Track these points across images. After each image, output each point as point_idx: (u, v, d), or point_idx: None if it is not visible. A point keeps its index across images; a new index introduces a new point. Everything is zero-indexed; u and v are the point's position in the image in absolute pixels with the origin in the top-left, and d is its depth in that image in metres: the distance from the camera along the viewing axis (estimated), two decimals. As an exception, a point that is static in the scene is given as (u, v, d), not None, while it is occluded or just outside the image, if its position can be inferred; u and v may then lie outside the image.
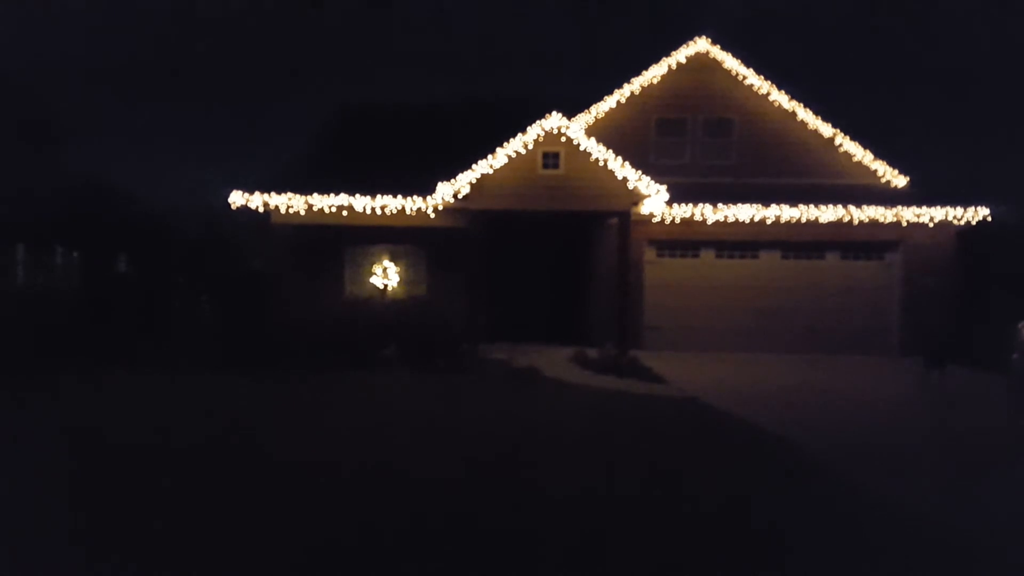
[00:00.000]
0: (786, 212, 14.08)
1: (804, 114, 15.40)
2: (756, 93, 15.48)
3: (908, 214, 14.12)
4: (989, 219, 14.13)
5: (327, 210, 14.08)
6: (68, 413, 8.06)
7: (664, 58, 15.57)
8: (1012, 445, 7.27)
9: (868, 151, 15.40)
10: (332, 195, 13.97)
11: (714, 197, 14.29)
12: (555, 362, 12.18)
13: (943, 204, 14.16)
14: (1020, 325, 10.14)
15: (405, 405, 8.91)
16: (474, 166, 13.39)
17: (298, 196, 14.00)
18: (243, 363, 11.41)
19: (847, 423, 8.04)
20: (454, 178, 13.45)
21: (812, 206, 14.04)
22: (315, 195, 13.98)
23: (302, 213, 14.16)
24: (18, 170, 22.05)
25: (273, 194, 14.04)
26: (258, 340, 12.21)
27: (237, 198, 13.96)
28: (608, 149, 13.56)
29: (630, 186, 13.35)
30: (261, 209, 14.21)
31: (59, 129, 24.55)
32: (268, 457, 6.19)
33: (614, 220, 13.99)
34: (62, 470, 5.72)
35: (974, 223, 14.21)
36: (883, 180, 15.41)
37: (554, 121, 13.39)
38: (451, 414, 8.30)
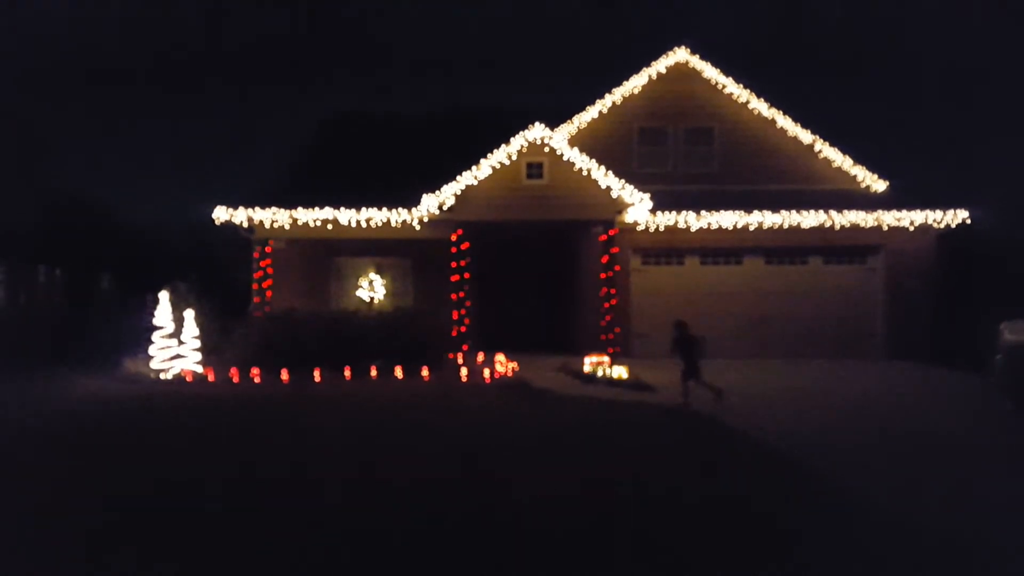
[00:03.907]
0: (768, 218, 14.21)
1: (783, 121, 15.58)
2: (736, 101, 15.65)
3: (888, 218, 14.30)
4: (968, 222, 14.33)
5: (312, 224, 14.04)
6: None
7: (645, 68, 15.72)
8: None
9: (847, 157, 15.61)
10: (317, 209, 13.94)
11: (697, 205, 14.40)
12: (543, 372, 12.17)
13: (923, 208, 14.36)
14: (1002, 327, 10.26)
15: (391, 417, 8.85)
16: (458, 177, 13.43)
17: (282, 211, 13.96)
18: (228, 379, 11.39)
19: (834, 427, 8.08)
20: (439, 190, 13.47)
21: (794, 212, 14.18)
22: (299, 209, 13.95)
23: (287, 227, 14.11)
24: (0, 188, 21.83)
25: (257, 209, 13.98)
26: (244, 355, 12.14)
27: (221, 214, 13.89)
28: (591, 159, 13.65)
29: (614, 195, 13.43)
30: (245, 224, 14.14)
31: (42, 146, 24.42)
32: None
33: (599, 229, 14.06)
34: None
35: (954, 226, 14.41)
36: (863, 185, 15.60)
37: (537, 132, 13.46)
38: (437, 427, 8.26)
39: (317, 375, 11.57)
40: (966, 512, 5.02)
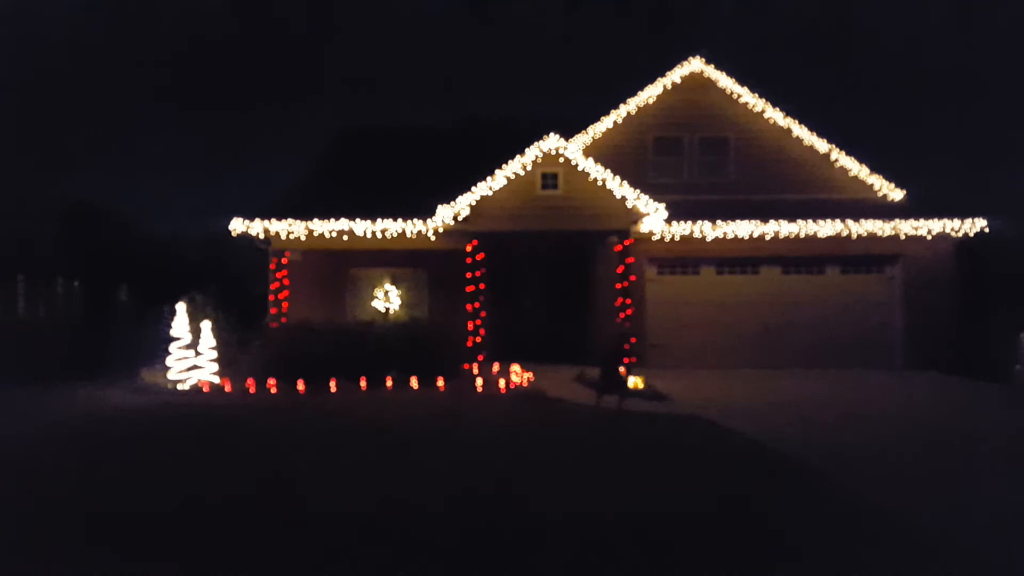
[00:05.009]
0: (785, 228, 14.14)
1: (799, 130, 15.53)
2: (751, 111, 15.63)
3: (906, 227, 14.18)
4: (987, 230, 14.19)
5: (328, 235, 14.11)
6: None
7: (659, 78, 15.74)
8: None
9: (864, 165, 15.52)
10: (332, 220, 14.01)
11: (713, 214, 14.35)
12: (558, 381, 12.14)
13: (940, 216, 14.23)
14: (1022, 336, 10.16)
15: (405, 427, 8.85)
16: (473, 188, 13.47)
17: (298, 222, 14.05)
18: (245, 390, 11.45)
19: (860, 439, 7.99)
20: (454, 200, 13.52)
21: (810, 221, 14.10)
22: (315, 220, 14.03)
23: (303, 239, 14.20)
24: (18, 200, 22.15)
25: (274, 220, 14.08)
26: (260, 366, 12.21)
27: (238, 225, 14.01)
28: (606, 169, 13.67)
29: (629, 205, 13.42)
30: (262, 236, 14.24)
31: (60, 158, 24.79)
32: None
33: (614, 239, 14.04)
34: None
35: (972, 235, 14.26)
36: (880, 194, 15.50)
37: (552, 142, 13.50)
38: (453, 438, 8.25)
39: (333, 385, 11.61)
40: (971, 522, 4.94)
